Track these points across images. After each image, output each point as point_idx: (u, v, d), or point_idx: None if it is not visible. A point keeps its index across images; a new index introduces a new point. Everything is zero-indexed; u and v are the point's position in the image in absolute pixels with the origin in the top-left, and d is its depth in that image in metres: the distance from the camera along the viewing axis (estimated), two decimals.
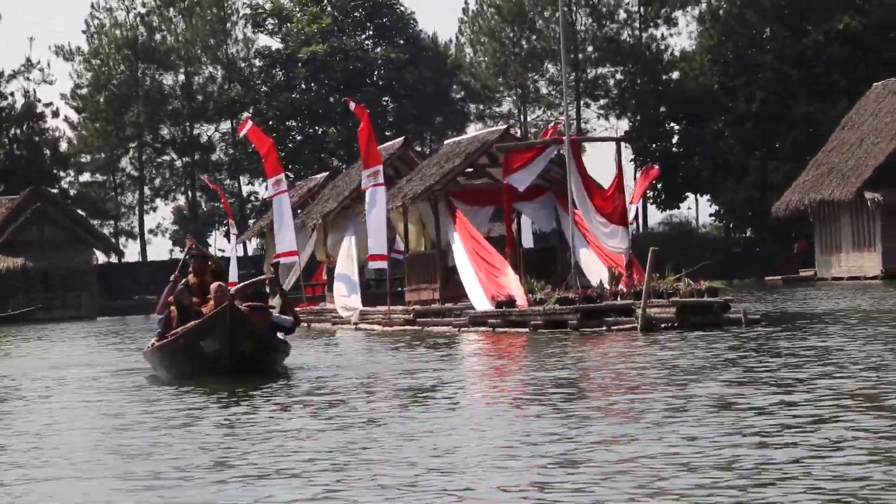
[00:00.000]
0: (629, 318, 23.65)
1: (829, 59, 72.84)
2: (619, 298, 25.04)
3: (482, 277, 27.87)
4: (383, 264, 31.79)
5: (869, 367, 13.75)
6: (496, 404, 12.97)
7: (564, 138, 27.86)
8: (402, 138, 42.31)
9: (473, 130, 72.68)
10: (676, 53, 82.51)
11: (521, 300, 26.16)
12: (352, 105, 32.44)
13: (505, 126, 34.02)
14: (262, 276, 18.52)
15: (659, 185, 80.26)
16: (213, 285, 18.10)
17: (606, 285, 26.15)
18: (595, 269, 27.86)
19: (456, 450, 9.42)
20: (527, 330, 25.04)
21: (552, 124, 35.58)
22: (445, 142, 37.98)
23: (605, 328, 23.66)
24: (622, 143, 78.42)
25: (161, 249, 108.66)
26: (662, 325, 23.08)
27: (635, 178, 79.34)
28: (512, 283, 27.01)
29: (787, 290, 46.47)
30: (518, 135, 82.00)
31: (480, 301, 27.53)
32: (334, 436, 10.63)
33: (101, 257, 73.93)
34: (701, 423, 10.05)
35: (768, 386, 12.49)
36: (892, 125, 51.71)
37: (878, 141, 51.76)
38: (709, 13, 79.73)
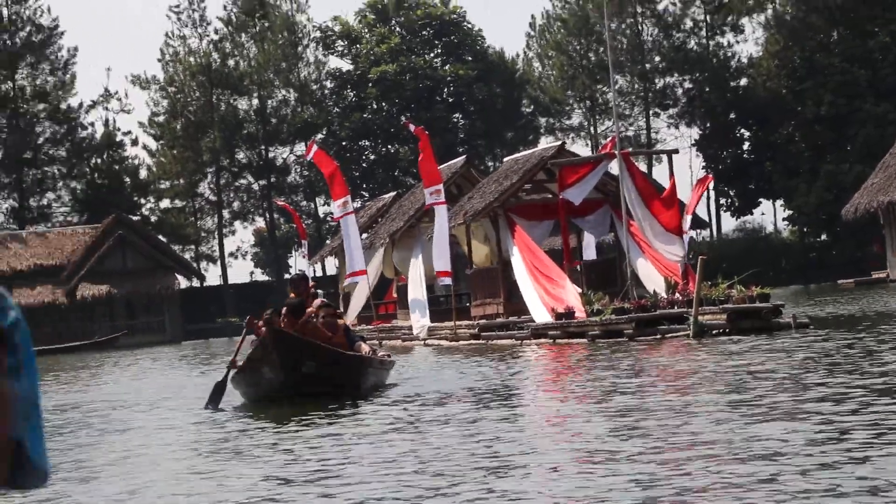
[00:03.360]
0: (682, 325, 24.32)
1: None
2: (674, 307, 25.67)
3: (541, 290, 28.66)
4: (448, 280, 32.55)
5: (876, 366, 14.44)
6: (564, 408, 13.78)
7: (616, 153, 28.59)
8: (463, 157, 43.28)
9: (544, 143, 73.31)
10: (744, 60, 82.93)
11: (580, 311, 26.91)
12: (411, 127, 33.35)
13: (560, 142, 34.70)
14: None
15: (732, 192, 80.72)
16: (316, 301, 18.13)
17: (663, 294, 26.83)
18: (652, 279, 28.55)
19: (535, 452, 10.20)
20: (585, 340, 25.78)
21: (610, 138, 36.28)
22: (504, 159, 38.83)
23: (658, 336, 24.36)
24: (694, 152, 79.59)
25: (242, 272, 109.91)
26: (714, 332, 23.73)
27: (707, 186, 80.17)
28: (570, 295, 27.78)
29: (856, 293, 46.69)
30: (587, 146, 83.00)
31: (540, 313, 28.31)
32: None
33: (182, 282, 75.47)
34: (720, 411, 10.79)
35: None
36: None
37: None
38: (774, 19, 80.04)
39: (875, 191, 55.15)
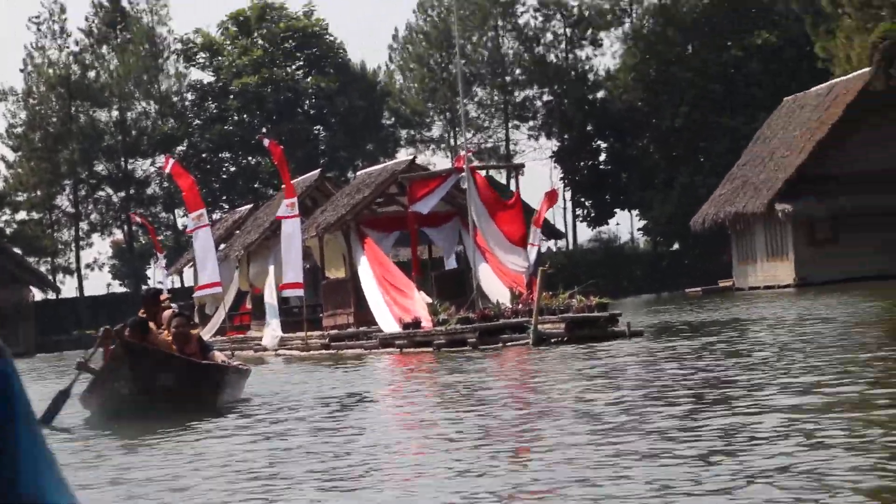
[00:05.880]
0: (523, 334, 25.07)
1: (748, 74, 74.91)
2: (518, 316, 26.41)
3: (389, 301, 29.25)
4: (299, 292, 32.94)
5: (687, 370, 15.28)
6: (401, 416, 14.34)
7: (465, 167, 29.28)
8: (318, 170, 43.67)
9: (405, 155, 73.92)
10: (602, 73, 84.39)
11: (426, 321, 27.54)
12: (265, 142, 33.73)
13: (411, 157, 35.40)
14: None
15: (588, 203, 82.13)
16: (166, 313, 17.71)
17: (508, 304, 27.57)
18: (497, 290, 29.27)
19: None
20: (431, 349, 26.40)
21: (461, 153, 37.02)
22: (357, 173, 39.39)
23: (500, 345, 25.08)
24: (552, 164, 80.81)
25: (99, 284, 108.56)
26: (553, 340, 24.50)
27: (564, 198, 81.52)
28: (418, 305, 28.40)
29: (702, 301, 48.02)
30: (448, 158, 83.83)
31: (388, 323, 28.88)
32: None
33: (37, 294, 74.66)
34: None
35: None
36: (800, 139, 53.44)
37: (788, 154, 53.48)
38: (632, 32, 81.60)
39: (722, 202, 56.75)
